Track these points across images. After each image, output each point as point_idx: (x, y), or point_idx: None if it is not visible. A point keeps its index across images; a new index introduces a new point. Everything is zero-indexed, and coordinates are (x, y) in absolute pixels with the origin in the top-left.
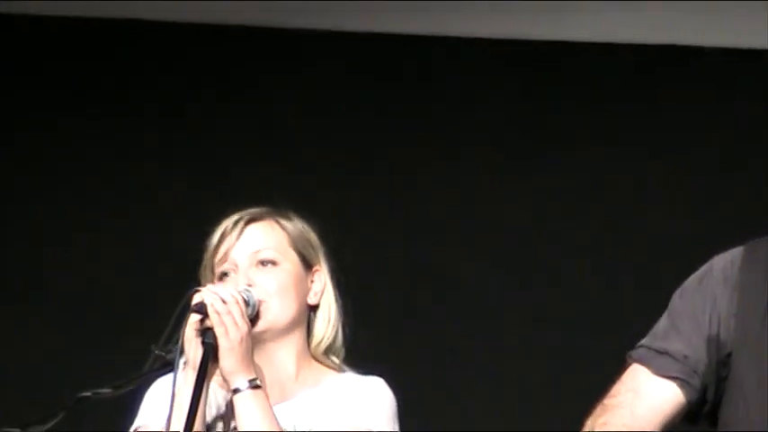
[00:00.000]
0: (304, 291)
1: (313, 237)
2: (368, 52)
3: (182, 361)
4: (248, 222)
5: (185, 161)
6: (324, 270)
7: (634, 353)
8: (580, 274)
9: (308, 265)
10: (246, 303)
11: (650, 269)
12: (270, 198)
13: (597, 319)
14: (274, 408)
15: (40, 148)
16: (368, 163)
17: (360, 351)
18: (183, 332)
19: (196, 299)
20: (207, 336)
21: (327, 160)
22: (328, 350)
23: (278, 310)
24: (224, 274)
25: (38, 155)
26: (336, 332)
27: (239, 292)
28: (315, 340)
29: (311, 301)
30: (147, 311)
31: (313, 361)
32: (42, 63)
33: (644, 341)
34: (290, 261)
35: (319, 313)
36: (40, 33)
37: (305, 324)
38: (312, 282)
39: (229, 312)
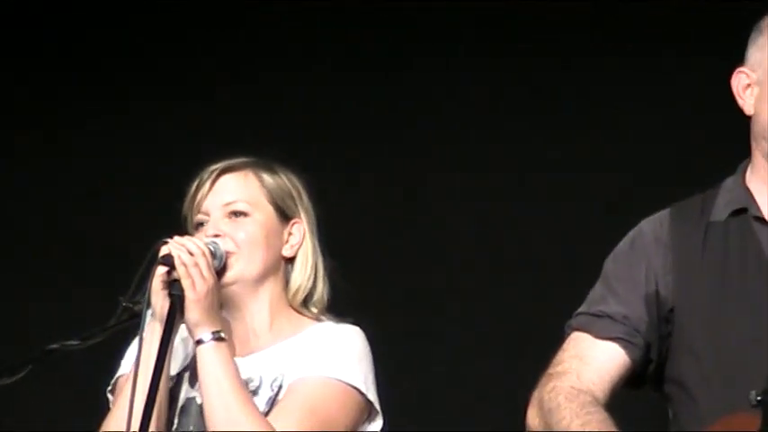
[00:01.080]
0: (277, 243)
1: (294, 189)
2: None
3: (149, 312)
4: (222, 172)
5: (160, 113)
6: (304, 222)
7: (573, 321)
8: (560, 227)
9: (284, 216)
10: (213, 255)
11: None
12: (251, 150)
13: (574, 270)
14: (244, 359)
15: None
16: (348, 115)
17: (340, 301)
18: (150, 284)
19: (163, 251)
20: (174, 287)
21: (308, 114)
22: (306, 301)
23: (246, 262)
24: (199, 224)
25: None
26: (314, 284)
27: (206, 244)
28: (291, 292)
29: (286, 253)
30: (116, 263)
31: (291, 311)
32: None
33: (581, 309)
34: (263, 212)
35: (296, 265)
36: None
37: (280, 276)
38: (290, 234)
39: (196, 264)
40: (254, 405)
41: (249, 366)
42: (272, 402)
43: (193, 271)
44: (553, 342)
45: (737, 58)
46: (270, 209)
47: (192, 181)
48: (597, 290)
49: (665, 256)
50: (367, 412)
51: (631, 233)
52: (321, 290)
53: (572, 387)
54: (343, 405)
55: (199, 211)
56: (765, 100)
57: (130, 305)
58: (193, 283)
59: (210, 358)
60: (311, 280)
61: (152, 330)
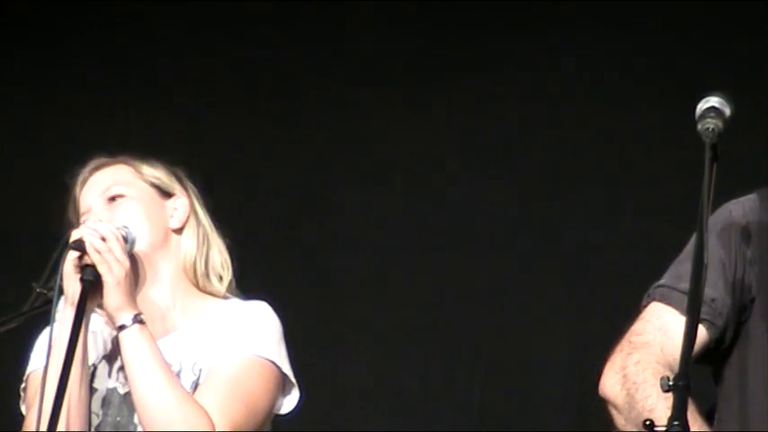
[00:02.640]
0: (161, 216)
1: (171, 172)
2: None
3: (62, 298)
4: (95, 169)
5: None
6: (188, 196)
7: (655, 292)
8: (476, 203)
9: (164, 193)
10: (125, 240)
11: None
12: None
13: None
14: (159, 342)
15: None
16: (253, 93)
17: (245, 282)
18: (62, 269)
19: (75, 235)
20: (86, 272)
21: (202, 98)
22: (206, 276)
23: (140, 234)
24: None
25: None
26: (207, 254)
27: (117, 229)
28: (186, 264)
29: (173, 225)
30: (31, 249)
31: (194, 289)
32: None
33: (666, 281)
34: (139, 190)
35: (184, 236)
36: None
37: (172, 250)
38: (174, 209)
39: (110, 250)
40: (183, 387)
41: (165, 350)
42: (195, 386)
43: (108, 256)
44: (467, 314)
45: None
46: (146, 186)
47: (68, 192)
48: (683, 266)
49: (753, 244)
50: (283, 385)
51: (720, 214)
52: (218, 263)
53: (657, 362)
54: (262, 380)
55: (81, 209)
56: None
57: (44, 291)
58: (110, 268)
59: (135, 342)
60: (203, 248)
61: (65, 316)
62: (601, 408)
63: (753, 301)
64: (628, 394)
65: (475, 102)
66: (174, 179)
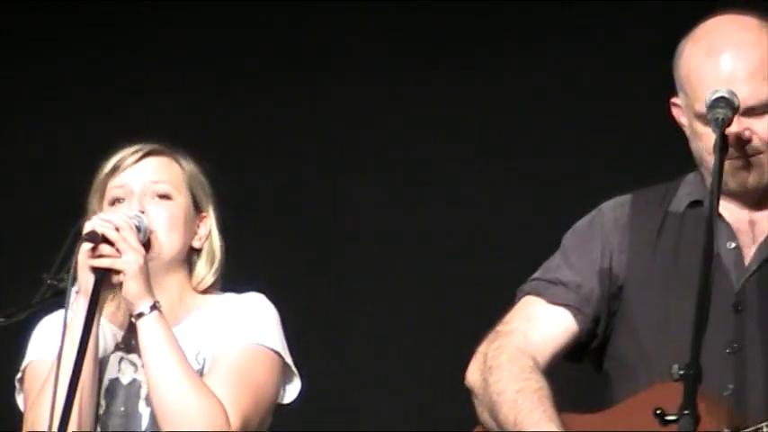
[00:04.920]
0: (191, 231)
1: (205, 182)
2: None
3: (74, 290)
4: (148, 154)
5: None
6: (211, 217)
7: (526, 286)
8: (474, 194)
9: (198, 208)
10: (138, 229)
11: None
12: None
13: (488, 238)
14: None
15: None
16: (250, 85)
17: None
18: (75, 261)
19: (87, 227)
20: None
21: (213, 96)
22: (208, 288)
23: (165, 242)
24: (116, 200)
25: None
26: (218, 276)
27: (129, 218)
28: (195, 280)
29: (195, 244)
30: (42, 241)
31: (194, 292)
32: None
33: (536, 275)
34: (184, 198)
35: (202, 256)
36: None
37: (187, 263)
38: (198, 226)
39: (125, 239)
40: (198, 375)
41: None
42: (200, 375)
43: (123, 246)
44: (476, 319)
45: None
46: (189, 197)
47: (105, 160)
48: (554, 259)
49: (622, 236)
50: (284, 374)
51: (593, 212)
52: (217, 273)
53: (516, 348)
54: (267, 368)
55: (120, 187)
56: (690, 135)
57: (55, 282)
58: (126, 258)
59: (153, 330)
60: (215, 275)
61: (77, 306)
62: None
63: (621, 288)
64: (483, 379)
65: (480, 96)
66: (205, 191)
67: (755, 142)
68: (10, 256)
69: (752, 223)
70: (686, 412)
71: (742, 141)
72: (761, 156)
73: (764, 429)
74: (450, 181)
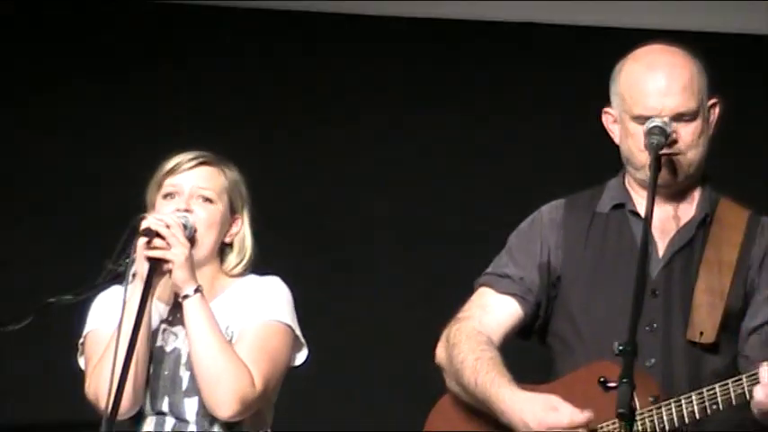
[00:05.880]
0: (225, 229)
1: (243, 189)
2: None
3: (131, 274)
4: (203, 163)
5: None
6: (244, 219)
7: (481, 279)
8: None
9: (233, 211)
10: (185, 227)
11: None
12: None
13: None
14: None
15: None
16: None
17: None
18: (135, 251)
19: (144, 224)
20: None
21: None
22: (237, 272)
23: (205, 240)
24: (168, 195)
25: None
26: (246, 268)
27: (178, 218)
28: (226, 267)
29: (227, 239)
30: (103, 230)
31: (224, 275)
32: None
33: (488, 270)
34: (223, 203)
35: (234, 251)
36: None
37: (217, 255)
38: (231, 226)
39: (174, 235)
40: (232, 347)
41: None
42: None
43: (173, 240)
44: (462, 298)
45: None
46: (227, 202)
47: (166, 161)
48: (502, 257)
49: (557, 234)
50: (295, 345)
51: (532, 215)
52: (249, 262)
53: (473, 328)
54: (282, 340)
55: (174, 185)
56: (622, 136)
57: (114, 267)
58: (175, 250)
59: (197, 309)
60: (244, 267)
61: (134, 288)
62: None
63: (559, 278)
64: (448, 355)
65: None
66: (242, 198)
67: (680, 144)
68: (74, 248)
69: (666, 220)
70: (625, 380)
71: (670, 142)
72: (680, 157)
73: (683, 401)
74: (451, 183)
